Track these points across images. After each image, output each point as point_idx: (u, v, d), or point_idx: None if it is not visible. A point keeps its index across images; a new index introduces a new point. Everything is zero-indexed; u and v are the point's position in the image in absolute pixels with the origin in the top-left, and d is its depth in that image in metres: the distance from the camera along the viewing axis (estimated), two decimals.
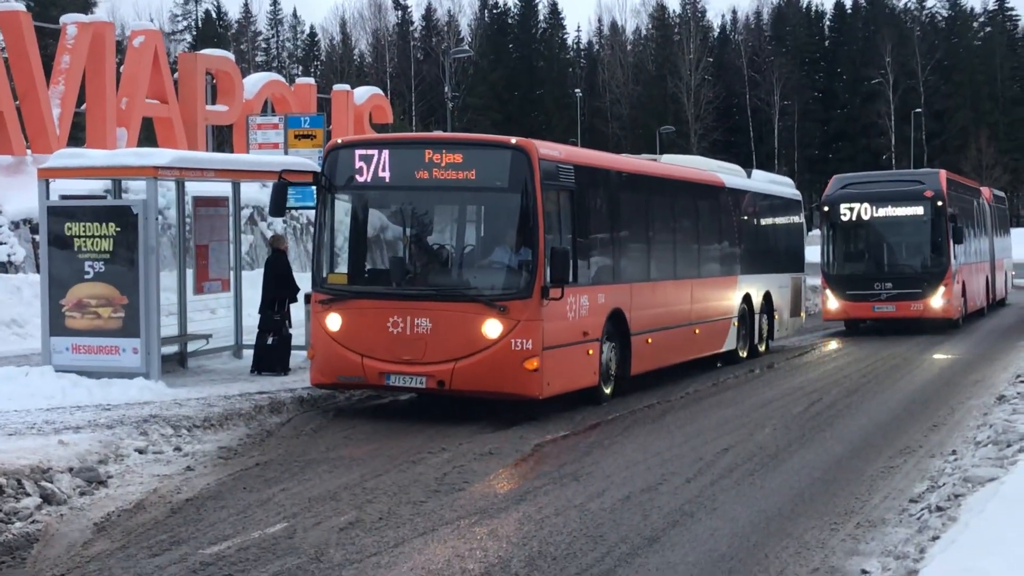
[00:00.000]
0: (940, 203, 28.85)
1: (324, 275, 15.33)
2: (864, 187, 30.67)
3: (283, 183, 15.46)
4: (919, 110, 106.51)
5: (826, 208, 29.87)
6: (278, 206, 15.63)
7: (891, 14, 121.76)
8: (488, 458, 12.58)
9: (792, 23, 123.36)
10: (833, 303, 29.44)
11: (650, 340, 17.94)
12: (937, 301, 28.63)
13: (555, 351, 14.77)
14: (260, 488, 11.11)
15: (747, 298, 22.56)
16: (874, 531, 9.55)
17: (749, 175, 25.55)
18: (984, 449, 12.00)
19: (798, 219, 27.93)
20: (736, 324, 22.03)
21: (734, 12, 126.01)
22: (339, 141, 15.88)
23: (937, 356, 23.48)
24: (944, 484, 10.64)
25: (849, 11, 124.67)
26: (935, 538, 8.53)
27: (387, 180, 15.12)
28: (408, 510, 10.19)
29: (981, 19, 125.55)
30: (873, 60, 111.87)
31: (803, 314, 27.46)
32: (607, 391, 16.60)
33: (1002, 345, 25.25)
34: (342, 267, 15.75)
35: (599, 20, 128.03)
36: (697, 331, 20.25)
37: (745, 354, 22.53)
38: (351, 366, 14.79)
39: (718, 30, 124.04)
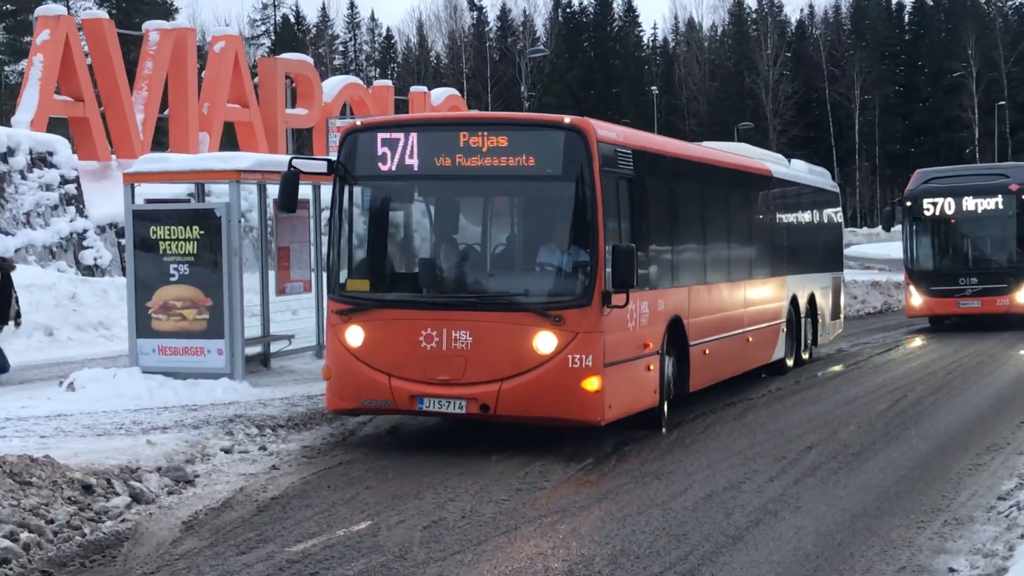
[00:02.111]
0: None
1: (342, 281, 12.88)
2: (947, 181, 30.38)
3: (293, 173, 13.08)
4: (1003, 103, 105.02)
5: (909, 203, 29.56)
6: (288, 199, 13.23)
7: (973, 6, 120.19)
8: (568, 458, 12.45)
9: (872, 17, 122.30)
10: (917, 299, 29.14)
11: (707, 351, 15.84)
12: (1023, 296, 28.30)
13: (616, 367, 12.43)
14: (344, 487, 11.21)
15: (794, 300, 20.45)
16: (961, 529, 9.46)
17: (789, 164, 23.96)
18: None
19: (837, 213, 26.07)
20: (784, 330, 19.87)
21: (811, 7, 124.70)
22: (358, 123, 13.40)
23: None
24: None
25: (930, 3, 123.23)
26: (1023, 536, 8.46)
27: (416, 168, 12.66)
28: (490, 508, 10.24)
29: None
30: (955, 52, 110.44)
31: (842, 316, 25.69)
32: (665, 412, 14.32)
33: None
34: (363, 271, 13.15)
35: (675, 17, 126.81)
36: (750, 339, 18.11)
37: (792, 363, 20.46)
38: (376, 389, 12.40)
39: (796, 25, 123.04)
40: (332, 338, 12.87)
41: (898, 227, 30.35)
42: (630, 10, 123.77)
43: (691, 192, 16.41)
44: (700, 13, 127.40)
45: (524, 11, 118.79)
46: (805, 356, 21.06)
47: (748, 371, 18.29)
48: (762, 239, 19.33)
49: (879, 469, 12.09)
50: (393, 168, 12.57)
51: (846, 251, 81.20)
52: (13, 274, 18.56)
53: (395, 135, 12.59)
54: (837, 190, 26.12)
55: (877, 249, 70.92)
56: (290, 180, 13.03)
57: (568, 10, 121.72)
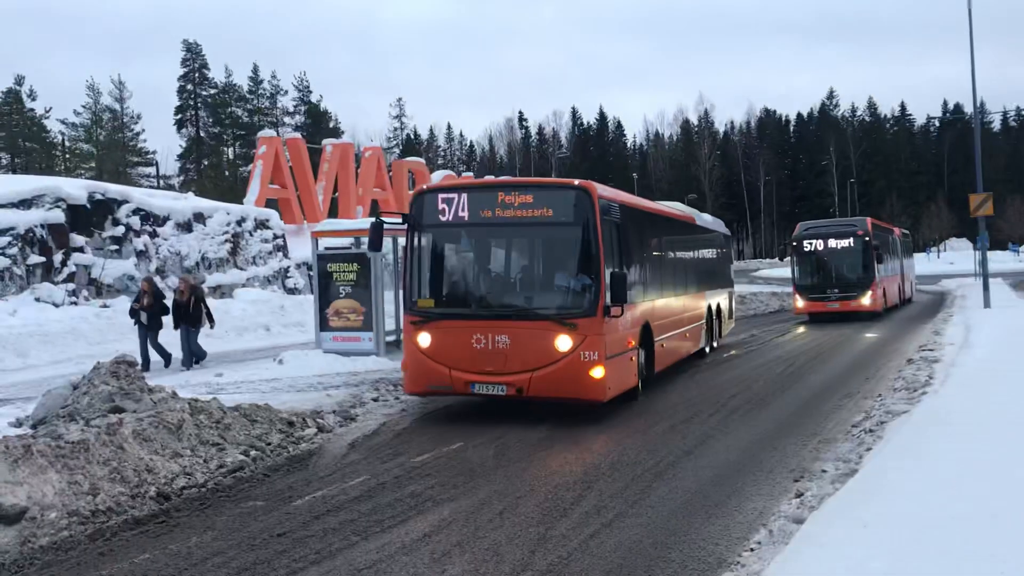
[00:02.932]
0: (867, 238, 28.26)
1: (414, 299, 11.65)
2: (819, 228, 30.09)
3: (379, 223, 12.16)
4: (852, 180, 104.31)
5: (794, 243, 29.33)
6: (375, 243, 12.15)
7: (833, 119, 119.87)
8: (582, 411, 11.62)
9: (770, 127, 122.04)
10: (800, 303, 28.87)
11: (664, 345, 14.49)
12: (867, 300, 28.00)
13: (613, 360, 11.34)
14: (447, 422, 11.29)
15: (709, 308, 18.82)
16: (829, 445, 9.43)
17: (701, 215, 21.95)
18: (899, 393, 11.72)
19: (729, 249, 23.91)
20: (705, 327, 18.33)
21: (732, 122, 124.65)
22: (424, 187, 12.20)
23: (868, 335, 22.91)
24: (874, 416, 10.46)
25: (806, 119, 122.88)
26: (868, 449, 8.44)
27: (466, 219, 11.53)
28: (534, 436, 10.31)
29: (890, 122, 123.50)
30: (822, 149, 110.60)
31: (734, 318, 23.50)
32: (640, 389, 13.18)
33: (910, 327, 24.53)
34: (429, 293, 11.82)
35: (647, 131, 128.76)
36: (687, 334, 16.63)
37: (708, 350, 18.79)
38: (440, 377, 11.30)
39: (722, 134, 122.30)
40: (408, 340, 11.65)
41: (788, 258, 30.06)
42: (619, 127, 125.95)
43: (653, 233, 15.14)
44: (663, 128, 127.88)
45: (553, 128, 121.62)
46: (715, 345, 19.44)
47: (686, 358, 17.07)
48: (692, 265, 17.97)
49: (778, 409, 12.02)
50: (450, 219, 11.53)
51: (756, 273, 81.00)
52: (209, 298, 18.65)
53: (451, 195, 11.58)
54: (728, 233, 24.16)
55: (775, 272, 70.24)
56: (377, 228, 12.05)
57: (581, 127, 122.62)
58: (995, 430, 8.02)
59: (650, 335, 13.47)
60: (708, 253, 20.12)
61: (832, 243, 28.71)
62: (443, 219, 11.57)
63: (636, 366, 12.64)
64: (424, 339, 11.43)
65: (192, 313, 16.97)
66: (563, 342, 10.89)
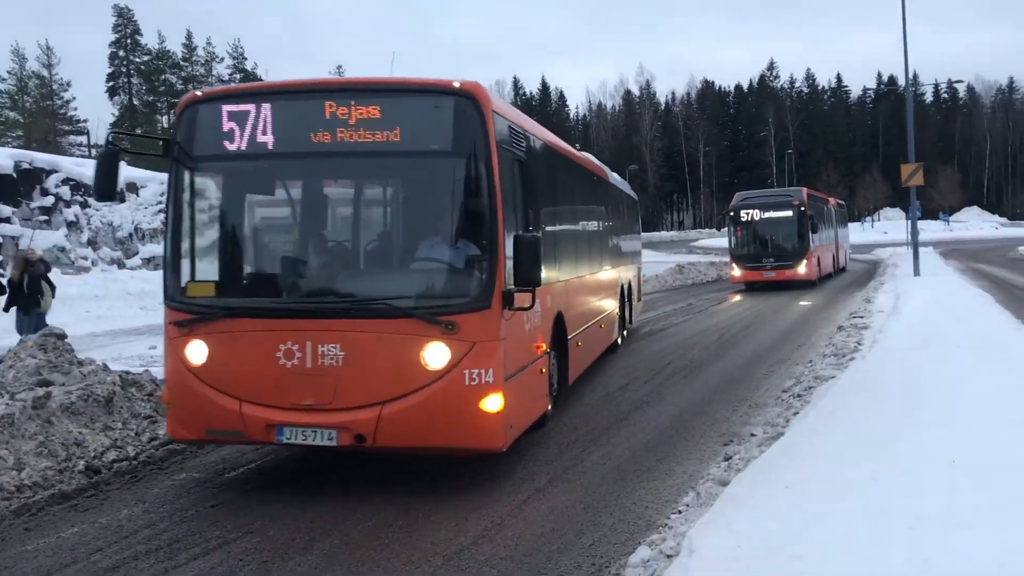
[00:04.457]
0: (803, 208, 28.80)
1: (182, 285, 7.07)
2: (755, 199, 30.59)
3: (112, 151, 7.08)
4: (790, 151, 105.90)
5: (731, 213, 29.81)
6: (107, 184, 7.03)
7: (772, 91, 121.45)
8: None
9: (710, 99, 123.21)
10: (737, 272, 29.37)
11: (580, 343, 10.50)
12: (802, 269, 28.60)
13: (516, 379, 7.06)
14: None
15: (622, 288, 15.04)
16: (759, 410, 9.60)
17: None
18: (828, 359, 12.00)
19: (637, 217, 19.66)
20: (619, 313, 14.60)
21: (673, 93, 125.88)
22: (198, 93, 7.27)
23: (802, 303, 23.39)
24: (803, 381, 10.66)
25: (746, 90, 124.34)
26: (796, 413, 8.60)
27: (271, 147, 6.87)
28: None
29: (827, 93, 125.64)
30: (761, 121, 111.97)
31: (642, 300, 19.60)
32: (551, 412, 8.85)
33: (842, 295, 25.12)
34: (208, 272, 7.23)
35: (589, 101, 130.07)
36: (603, 324, 12.65)
37: (620, 341, 14.92)
38: (225, 416, 6.76)
39: (664, 105, 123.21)
40: (171, 354, 7.01)
41: (726, 228, 30.52)
42: (561, 97, 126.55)
43: (568, 186, 10.77)
44: (605, 99, 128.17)
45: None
46: (625, 334, 15.63)
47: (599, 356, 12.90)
48: (607, 235, 13.89)
49: (711, 375, 12.15)
50: (242, 147, 6.87)
51: (695, 243, 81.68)
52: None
53: (244, 107, 6.89)
54: (636, 198, 19.93)
55: (714, 242, 71.22)
56: (108, 161, 7.01)
57: (523, 97, 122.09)
58: (915, 394, 8.28)
59: (563, 331, 9.31)
60: (622, 220, 16.29)
61: (768, 213, 29.19)
62: (231, 148, 6.92)
63: (547, 380, 8.49)
64: (197, 352, 6.87)
65: (28, 294, 14.51)
66: (435, 354, 6.47)
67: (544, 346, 8.21)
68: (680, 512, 6.06)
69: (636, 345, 15.58)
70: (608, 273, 13.46)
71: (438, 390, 6.49)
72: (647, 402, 10.34)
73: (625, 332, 15.69)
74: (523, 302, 6.83)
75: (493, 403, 6.56)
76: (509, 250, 6.65)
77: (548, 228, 8.88)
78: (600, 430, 8.92)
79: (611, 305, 13.65)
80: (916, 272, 26.99)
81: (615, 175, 16.76)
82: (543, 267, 7.28)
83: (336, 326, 6.62)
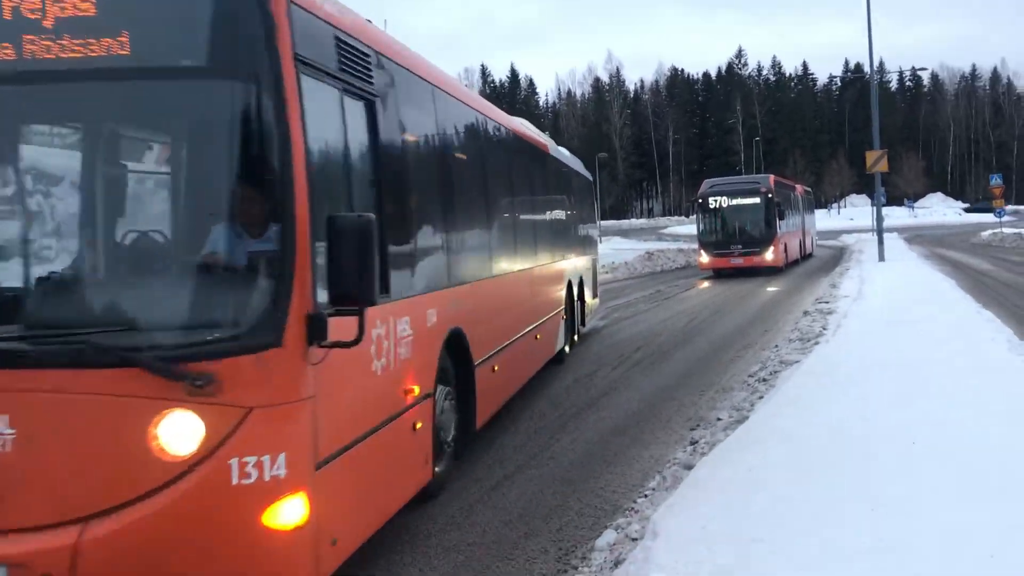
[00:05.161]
0: (770, 195, 29.04)
1: None
2: (723, 186, 30.81)
3: None
4: (758, 139, 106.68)
5: (699, 200, 30.02)
6: None
7: (739, 78, 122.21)
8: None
9: (679, 86, 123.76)
10: (705, 258, 29.58)
11: (497, 367, 7.78)
12: (769, 255, 28.85)
13: (350, 458, 4.31)
14: None
15: (569, 286, 12.40)
16: (726, 394, 9.64)
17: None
18: (794, 344, 12.11)
19: (590, 201, 16.61)
20: (565, 317, 11.96)
21: (642, 80, 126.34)
22: None
23: (769, 289, 23.59)
24: (769, 365, 10.74)
25: (714, 78, 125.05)
26: (761, 397, 8.68)
27: None
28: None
29: (794, 81, 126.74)
30: (729, 108, 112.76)
31: (598, 297, 16.66)
32: (439, 470, 6.14)
33: (809, 281, 25.38)
34: None
35: (559, 89, 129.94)
36: (538, 336, 10.03)
37: (568, 349, 12.40)
38: None
39: (633, 92, 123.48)
40: None
41: (694, 215, 30.71)
42: (531, 84, 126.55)
43: (475, 152, 7.98)
44: (574, 86, 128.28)
45: (465, 85, 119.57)
46: (575, 339, 13.11)
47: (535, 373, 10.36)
48: (547, 222, 11.39)
49: (679, 361, 12.21)
50: None
51: (665, 231, 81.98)
52: None
53: None
54: (591, 179, 17.08)
55: (683, 229, 71.56)
56: None
57: (491, 85, 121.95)
58: (876, 377, 8.40)
59: (466, 356, 6.73)
60: (570, 203, 13.58)
61: (736, 200, 29.40)
62: None
63: (429, 437, 5.77)
64: None
65: None
66: (174, 432, 3.73)
67: (419, 388, 5.45)
68: (646, 496, 6.12)
69: (605, 332, 15.60)
70: (548, 268, 10.96)
71: (182, 496, 3.66)
72: (615, 388, 10.38)
73: (576, 337, 13.19)
74: (344, 332, 3.91)
75: (289, 513, 3.76)
76: (325, 246, 3.83)
77: (428, 206, 6.16)
78: (568, 416, 8.96)
79: (552, 308, 11.06)
80: (881, 258, 27.31)
81: (563, 150, 14.46)
82: (422, 267, 5.59)
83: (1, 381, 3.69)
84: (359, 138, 4.85)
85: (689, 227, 50.36)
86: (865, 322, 12.71)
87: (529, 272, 9.81)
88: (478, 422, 7.16)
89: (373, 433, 4.72)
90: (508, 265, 8.80)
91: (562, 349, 11.99)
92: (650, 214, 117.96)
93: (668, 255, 37.36)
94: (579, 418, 8.86)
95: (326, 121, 4.36)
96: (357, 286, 3.82)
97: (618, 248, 43.34)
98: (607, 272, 30.79)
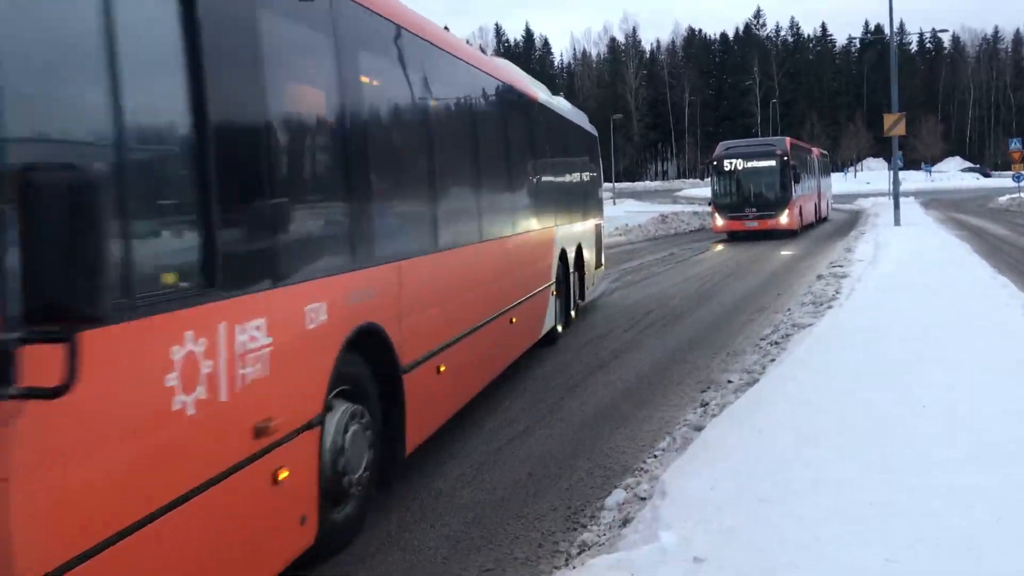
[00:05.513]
0: (786, 158, 28.83)
1: None
2: (738, 148, 30.60)
3: None
4: (775, 101, 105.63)
5: (715, 163, 29.84)
6: None
7: (757, 39, 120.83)
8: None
9: (696, 47, 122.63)
10: (719, 221, 29.46)
11: (443, 368, 6.05)
12: (784, 219, 28.72)
13: (107, 560, 2.54)
14: None
15: (563, 256, 11.05)
16: (737, 357, 9.66)
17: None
18: (807, 307, 12.10)
19: (595, 159, 14.66)
20: (554, 293, 10.55)
21: (658, 41, 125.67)
22: None
23: (784, 252, 23.50)
24: (781, 328, 10.74)
25: (731, 39, 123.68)
26: (772, 360, 8.67)
27: None
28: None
29: (812, 42, 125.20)
30: (746, 69, 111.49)
31: (603, 265, 14.95)
32: (339, 518, 4.47)
33: (824, 245, 25.25)
34: None
35: (574, 49, 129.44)
36: (514, 319, 8.46)
37: (562, 327, 11.16)
38: None
39: (649, 53, 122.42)
40: None
41: (709, 177, 30.55)
42: (546, 44, 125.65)
43: (401, 74, 5.83)
44: (590, 46, 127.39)
45: (480, 45, 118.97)
46: (573, 315, 12.03)
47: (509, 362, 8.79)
48: (528, 181, 9.58)
49: (691, 323, 12.21)
50: None
51: (679, 193, 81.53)
52: None
53: None
54: (596, 134, 14.93)
55: (698, 192, 71.13)
56: None
57: (506, 45, 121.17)
58: (888, 341, 8.36)
59: (391, 360, 5.10)
60: (567, 160, 12.12)
61: (751, 163, 29.18)
62: None
63: (310, 484, 4.12)
64: None
65: None
66: None
67: (285, 419, 3.77)
68: (656, 456, 6.13)
69: (617, 295, 15.59)
70: (529, 237, 9.39)
71: None
72: (626, 350, 10.38)
73: (573, 313, 12.00)
74: (43, 368, 2.36)
75: None
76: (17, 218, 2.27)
77: (309, 155, 4.51)
78: (579, 378, 8.98)
79: (537, 283, 9.62)
80: (897, 222, 27.10)
81: (563, 102, 12.97)
82: (287, 241, 3.90)
83: None
84: (172, 36, 3.12)
85: (703, 190, 50.08)
86: (879, 286, 12.63)
87: (500, 243, 8.13)
88: (408, 445, 5.33)
89: (168, 511, 2.96)
90: (465, 235, 7.01)
91: (553, 329, 10.57)
92: (665, 176, 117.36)
93: (682, 218, 37.20)
94: (589, 380, 8.87)
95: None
96: (65, 291, 2.23)
97: (632, 211, 43.18)
98: (620, 235, 30.70)
